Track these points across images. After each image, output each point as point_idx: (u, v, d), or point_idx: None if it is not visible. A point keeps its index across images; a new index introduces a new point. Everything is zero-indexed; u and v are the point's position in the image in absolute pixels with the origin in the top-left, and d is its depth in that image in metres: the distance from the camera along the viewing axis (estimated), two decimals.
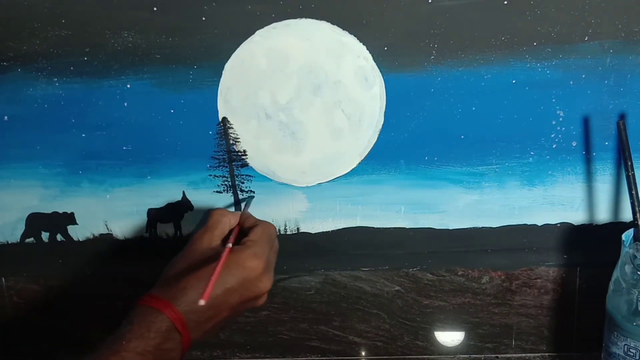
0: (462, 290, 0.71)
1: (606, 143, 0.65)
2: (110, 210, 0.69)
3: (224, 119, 0.66)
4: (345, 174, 0.67)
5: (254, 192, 0.68)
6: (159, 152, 0.67)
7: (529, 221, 0.68)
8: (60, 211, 0.69)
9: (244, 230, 0.58)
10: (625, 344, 0.57)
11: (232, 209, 0.68)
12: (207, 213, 0.58)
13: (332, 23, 0.62)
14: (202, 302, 0.48)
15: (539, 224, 0.68)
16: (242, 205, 0.68)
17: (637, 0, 0.61)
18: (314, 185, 0.68)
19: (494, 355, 0.73)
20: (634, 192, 0.60)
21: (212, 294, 0.49)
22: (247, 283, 0.53)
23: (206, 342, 0.74)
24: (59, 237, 0.71)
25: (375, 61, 0.63)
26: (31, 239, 0.71)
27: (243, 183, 0.68)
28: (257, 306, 0.56)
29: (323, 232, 0.69)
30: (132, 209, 0.69)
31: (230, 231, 0.58)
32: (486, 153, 0.66)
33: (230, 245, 0.54)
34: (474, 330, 0.72)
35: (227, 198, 0.68)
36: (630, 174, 0.60)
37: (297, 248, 0.70)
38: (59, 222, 0.70)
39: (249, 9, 0.62)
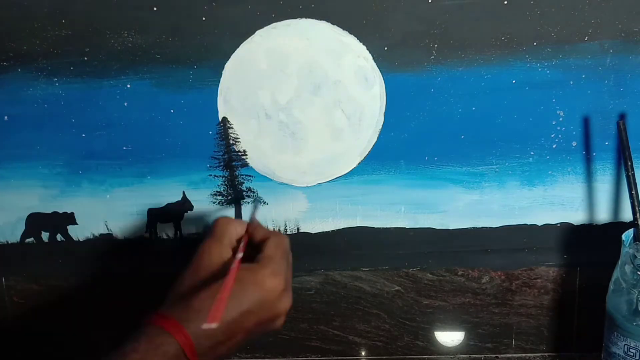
0: (462, 290, 0.71)
1: (606, 143, 0.65)
2: (110, 210, 0.69)
3: (224, 119, 0.66)
4: (345, 174, 0.67)
5: (259, 195, 0.67)
6: (159, 152, 0.67)
7: (529, 221, 0.68)
8: (60, 211, 0.69)
9: (255, 243, 0.53)
10: (625, 344, 0.57)
11: (232, 210, 0.68)
12: (213, 222, 0.53)
13: (332, 23, 0.62)
14: (213, 325, 0.43)
15: (539, 224, 0.68)
16: (253, 208, 0.66)
17: (637, 0, 0.61)
18: (314, 185, 0.68)
19: (494, 355, 0.73)
20: (634, 192, 0.60)
21: (226, 317, 0.45)
22: (266, 304, 0.48)
23: None
24: (59, 237, 0.70)
25: (375, 61, 0.63)
26: (31, 239, 0.71)
27: (243, 183, 0.68)
28: (275, 329, 0.50)
29: (323, 232, 0.69)
30: (132, 209, 0.69)
31: (239, 241, 0.53)
32: (486, 153, 0.66)
33: (240, 255, 0.49)
34: (474, 330, 0.72)
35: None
36: (630, 174, 0.60)
37: (297, 248, 0.69)
38: (59, 222, 0.70)
39: (249, 9, 0.62)
